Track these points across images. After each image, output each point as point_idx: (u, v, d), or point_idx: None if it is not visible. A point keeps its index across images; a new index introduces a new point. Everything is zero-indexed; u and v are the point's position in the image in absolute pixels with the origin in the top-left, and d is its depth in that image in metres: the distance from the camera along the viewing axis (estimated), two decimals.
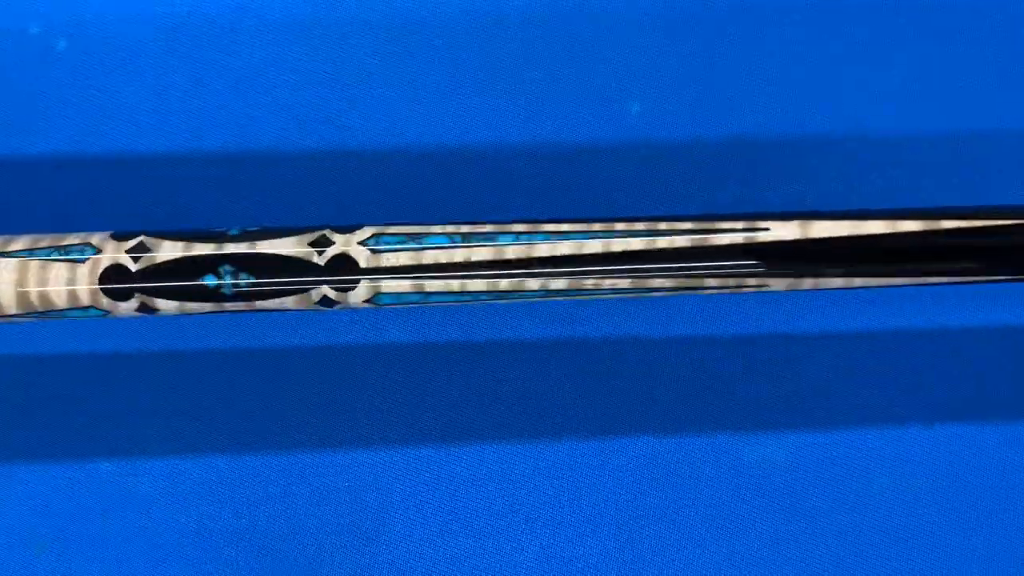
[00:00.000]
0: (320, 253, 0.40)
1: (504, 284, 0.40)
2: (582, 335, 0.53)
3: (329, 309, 0.41)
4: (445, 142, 0.52)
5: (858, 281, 0.41)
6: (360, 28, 0.52)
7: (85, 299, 0.40)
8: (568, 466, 0.52)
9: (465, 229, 0.41)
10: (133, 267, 0.40)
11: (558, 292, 0.41)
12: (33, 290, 0.40)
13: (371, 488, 0.52)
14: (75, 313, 0.40)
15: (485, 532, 0.52)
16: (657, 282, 0.41)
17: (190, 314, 0.41)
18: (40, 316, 0.40)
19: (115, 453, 0.51)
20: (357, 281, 0.40)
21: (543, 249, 0.41)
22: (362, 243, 0.40)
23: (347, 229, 0.41)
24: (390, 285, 0.40)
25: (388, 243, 0.40)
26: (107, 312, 0.40)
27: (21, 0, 0.51)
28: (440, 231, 0.41)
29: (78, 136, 0.51)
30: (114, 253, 0.40)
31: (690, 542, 0.52)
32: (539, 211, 0.50)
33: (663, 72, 0.53)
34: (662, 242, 0.41)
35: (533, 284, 0.40)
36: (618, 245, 0.41)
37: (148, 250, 0.40)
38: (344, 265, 0.40)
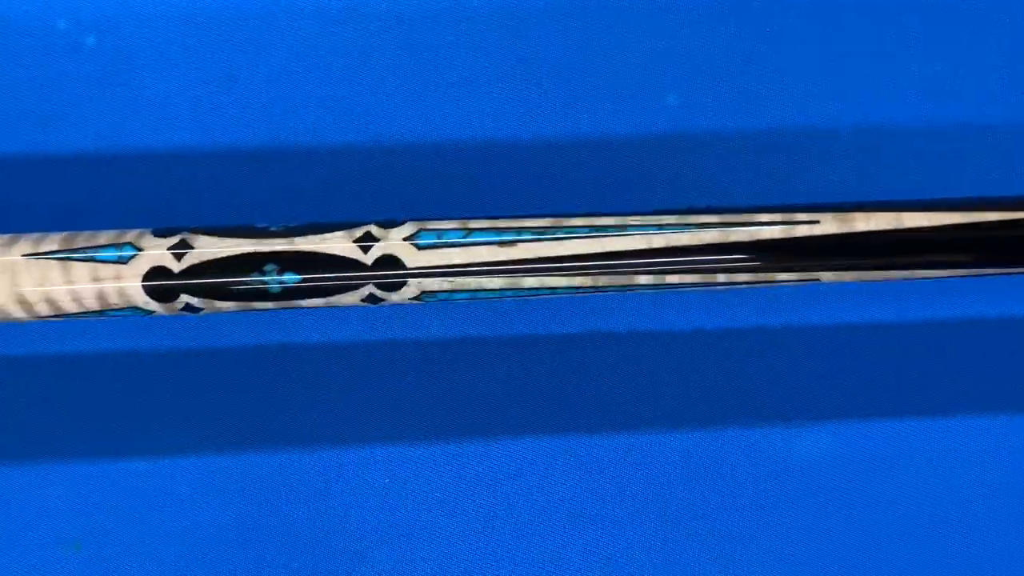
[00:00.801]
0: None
1: (547, 221, 0.40)
2: (618, 330, 0.52)
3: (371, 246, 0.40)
4: (481, 136, 0.52)
5: (907, 218, 0.41)
6: (393, 20, 0.52)
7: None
8: (608, 461, 0.51)
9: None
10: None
11: (603, 228, 0.40)
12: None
13: (410, 484, 0.50)
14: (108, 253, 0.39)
15: (526, 528, 0.50)
16: (705, 217, 0.40)
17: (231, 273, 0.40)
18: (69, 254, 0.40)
19: (150, 451, 0.50)
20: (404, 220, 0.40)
21: None
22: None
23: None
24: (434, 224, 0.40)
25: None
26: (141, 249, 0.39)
27: None
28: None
29: (107, 132, 0.51)
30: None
31: (731, 537, 0.50)
32: (575, 205, 0.49)
33: (699, 63, 0.52)
34: None
35: (578, 220, 0.40)
36: None
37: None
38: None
